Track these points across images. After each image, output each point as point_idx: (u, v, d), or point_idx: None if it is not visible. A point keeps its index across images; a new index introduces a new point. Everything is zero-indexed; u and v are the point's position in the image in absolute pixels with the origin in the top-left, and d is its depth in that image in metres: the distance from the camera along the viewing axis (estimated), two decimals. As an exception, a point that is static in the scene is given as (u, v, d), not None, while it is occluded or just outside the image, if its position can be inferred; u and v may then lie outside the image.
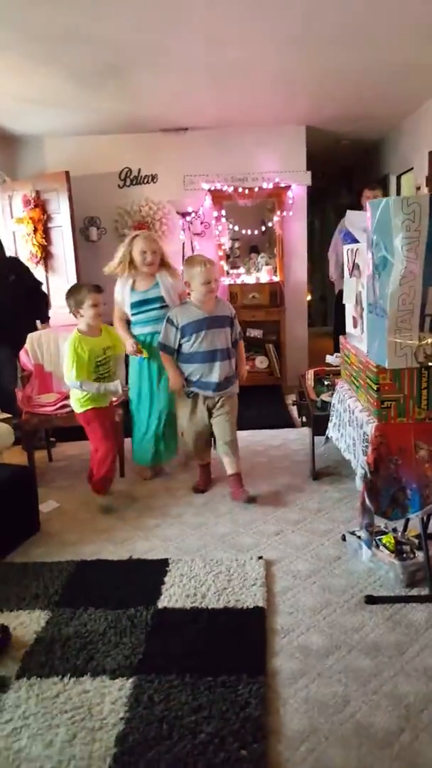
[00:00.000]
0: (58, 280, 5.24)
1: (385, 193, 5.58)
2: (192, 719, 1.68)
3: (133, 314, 3.36)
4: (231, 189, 5.55)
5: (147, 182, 5.71)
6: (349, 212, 2.20)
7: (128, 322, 3.41)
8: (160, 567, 2.51)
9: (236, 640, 2.03)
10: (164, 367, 3.19)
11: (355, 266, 2.21)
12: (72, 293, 3.04)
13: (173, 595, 2.31)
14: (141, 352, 3.33)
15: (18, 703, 1.78)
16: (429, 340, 1.86)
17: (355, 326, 2.34)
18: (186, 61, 3.70)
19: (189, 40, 3.34)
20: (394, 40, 3.42)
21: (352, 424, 2.28)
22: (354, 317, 2.32)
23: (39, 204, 5.16)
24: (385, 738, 1.62)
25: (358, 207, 4.87)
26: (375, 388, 1.99)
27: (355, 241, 2.22)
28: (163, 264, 3.39)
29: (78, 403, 3.10)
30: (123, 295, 3.36)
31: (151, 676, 1.85)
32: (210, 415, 3.19)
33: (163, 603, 2.27)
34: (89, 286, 3.07)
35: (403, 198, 1.71)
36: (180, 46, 3.42)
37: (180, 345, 3.11)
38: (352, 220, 2.16)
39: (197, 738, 1.61)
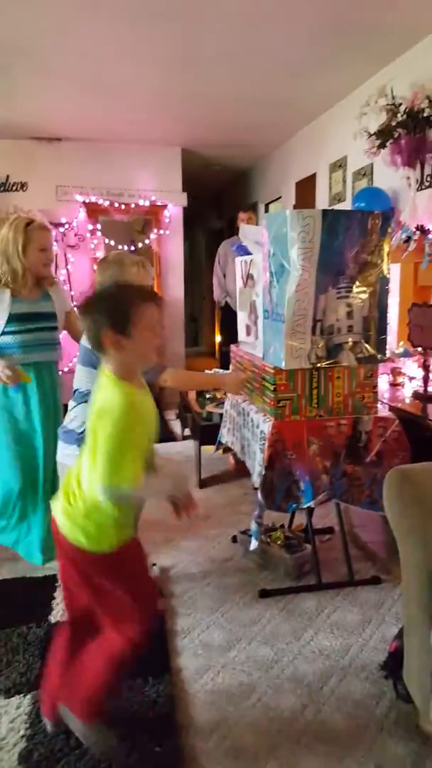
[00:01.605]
0: None
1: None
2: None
3: (7, 332, 2.40)
4: (107, 203, 5.56)
5: (16, 190, 5.51)
6: (243, 226, 2.34)
7: None
8: (49, 583, 2.41)
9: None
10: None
11: (249, 277, 2.35)
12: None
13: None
14: (22, 377, 2.42)
15: None
16: (320, 344, 2.03)
17: (248, 334, 2.47)
18: (63, 72, 3.68)
19: (67, 51, 3.34)
20: (266, 74, 3.69)
21: (246, 426, 2.40)
22: (248, 325, 2.45)
23: None
24: (291, 716, 1.70)
25: (230, 231, 5.15)
26: (272, 389, 2.11)
27: (248, 253, 2.36)
28: None
29: (99, 531, 1.41)
30: None
31: (53, 689, 1.77)
32: None
33: (56, 618, 2.17)
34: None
35: (298, 212, 1.87)
36: (57, 56, 3.41)
37: None
38: (246, 233, 2.30)
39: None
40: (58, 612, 2.21)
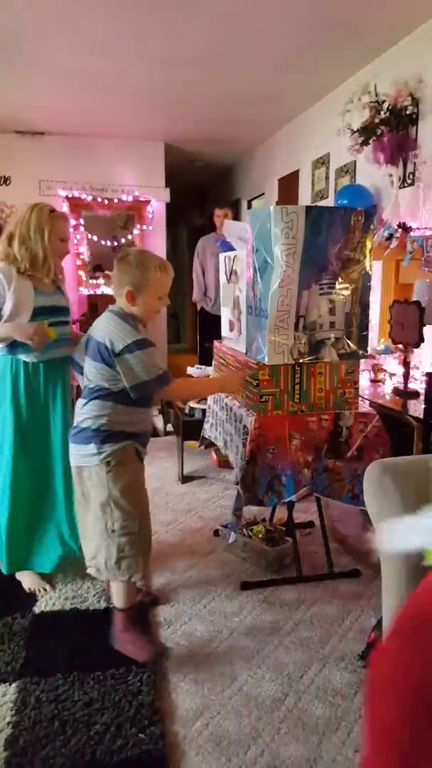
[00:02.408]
0: None
1: (236, 215, 5.95)
2: (84, 713, 1.65)
3: None
4: (90, 198, 5.54)
5: (-1, 184, 5.48)
6: (227, 222, 2.36)
7: None
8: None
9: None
10: (191, 396, 2.41)
11: (232, 272, 2.37)
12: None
13: (50, 600, 2.24)
14: (49, 332, 2.12)
15: None
16: (303, 340, 2.07)
17: (231, 330, 2.50)
18: (46, 65, 3.66)
19: (51, 44, 3.33)
20: (251, 70, 3.71)
21: (229, 421, 2.42)
22: (231, 321, 2.48)
23: None
24: (272, 704, 1.74)
25: (212, 228, 5.16)
26: (255, 384, 2.14)
27: (232, 249, 2.38)
28: None
29: None
30: (22, 292, 2.13)
31: (36, 679, 1.78)
32: None
33: (40, 608, 2.19)
34: None
35: (282, 208, 1.90)
36: (41, 49, 3.39)
37: None
38: (231, 229, 2.32)
39: (92, 729, 1.59)
40: (42, 603, 2.22)
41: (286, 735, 1.62)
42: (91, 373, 1.88)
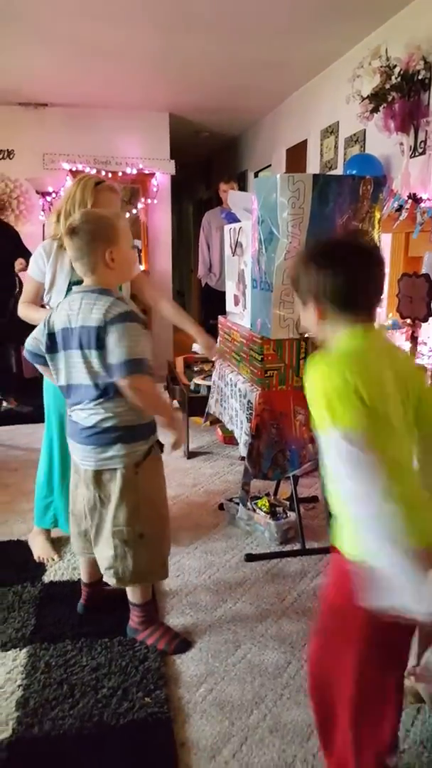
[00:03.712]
0: None
1: (242, 188, 5.87)
2: (93, 677, 1.70)
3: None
4: (94, 171, 5.47)
5: (2, 158, 5.41)
6: (231, 192, 2.33)
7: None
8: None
9: (127, 604, 2.06)
10: (152, 405, 1.74)
11: (237, 245, 2.35)
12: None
13: (59, 570, 2.28)
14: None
15: None
16: (308, 312, 2.05)
17: (236, 304, 2.48)
18: (48, 35, 3.58)
19: (53, 12, 3.25)
20: (258, 35, 3.61)
21: (234, 396, 2.43)
22: (236, 295, 2.46)
23: None
24: (275, 671, 1.77)
25: (218, 202, 5.09)
26: (259, 359, 2.14)
27: (237, 220, 2.35)
28: None
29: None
30: (58, 267, 2.11)
31: (45, 645, 1.83)
32: None
33: (49, 578, 2.23)
34: None
35: (289, 176, 1.87)
36: (43, 17, 3.31)
37: None
38: (235, 199, 2.29)
39: (100, 693, 1.64)
40: (51, 573, 2.26)
41: (289, 701, 1.66)
42: (95, 365, 1.64)
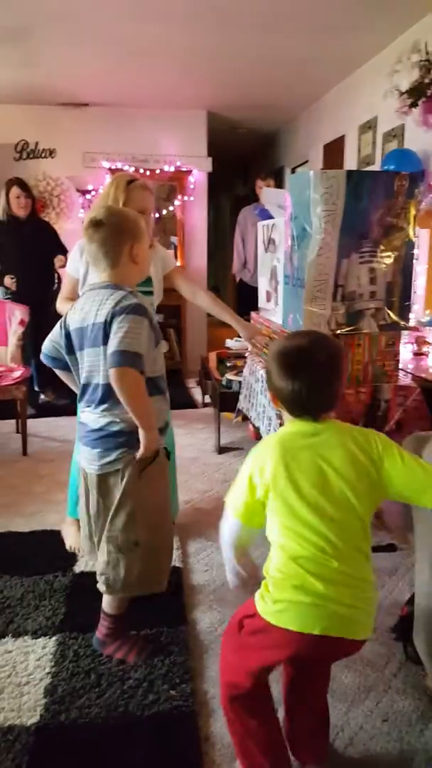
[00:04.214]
0: None
1: (279, 184, 5.84)
2: (119, 668, 1.72)
3: None
4: (132, 169, 5.52)
5: (45, 156, 5.53)
6: (265, 189, 2.32)
7: None
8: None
9: (155, 598, 2.07)
10: (133, 403, 1.59)
11: (270, 241, 2.34)
12: None
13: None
14: None
15: None
16: (341, 310, 2.03)
17: (268, 300, 2.47)
18: (93, 33, 3.63)
19: (93, 13, 3.29)
20: (296, 31, 3.59)
21: (263, 392, 2.42)
22: (268, 291, 2.45)
23: None
24: (301, 669, 1.76)
25: (255, 199, 5.08)
26: (290, 354, 2.12)
27: (271, 217, 2.34)
28: None
29: None
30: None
31: (74, 634, 1.86)
32: None
33: (80, 568, 2.27)
34: None
35: (322, 172, 1.86)
36: (89, 16, 3.36)
37: None
38: (269, 196, 2.28)
39: (126, 684, 1.66)
40: (82, 563, 2.30)
41: (314, 700, 1.64)
42: (101, 363, 1.59)
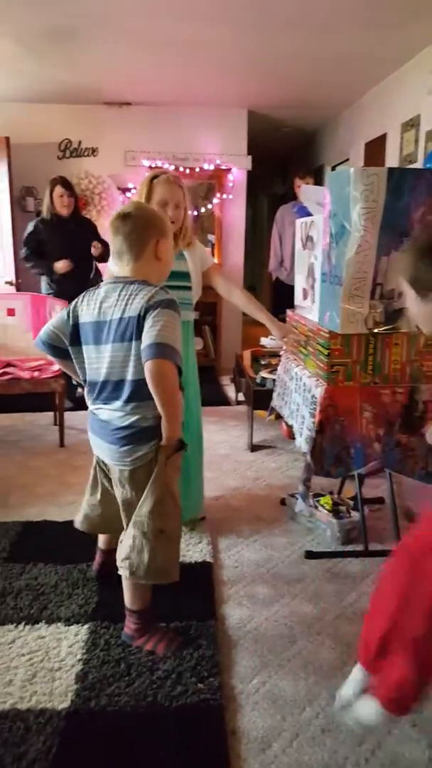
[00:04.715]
0: (-9, 249, 5.06)
1: (318, 183, 5.78)
2: (148, 659, 1.74)
3: None
4: (172, 168, 5.56)
5: (87, 155, 5.62)
6: (304, 186, 2.31)
7: None
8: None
9: (185, 590, 2.09)
10: (168, 395, 1.59)
11: (308, 239, 2.33)
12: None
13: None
14: None
15: (-28, 649, 1.77)
16: (379, 309, 2.01)
17: (304, 298, 2.46)
18: (136, 32, 3.67)
19: (143, 10, 3.32)
20: (341, 27, 3.54)
21: (298, 391, 2.41)
22: (304, 289, 2.44)
23: (-26, 169, 4.95)
24: (330, 671, 1.75)
25: (293, 197, 5.04)
26: (326, 353, 2.11)
27: (310, 214, 2.33)
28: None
29: None
30: None
31: (105, 623, 1.89)
32: None
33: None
34: None
35: (363, 169, 1.84)
36: (132, 15, 3.40)
37: None
38: (308, 194, 2.27)
39: (155, 674, 1.68)
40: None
41: (343, 700, 1.63)
42: (133, 359, 1.59)
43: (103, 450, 1.73)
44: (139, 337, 1.55)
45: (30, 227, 4.26)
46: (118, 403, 1.64)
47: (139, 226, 1.62)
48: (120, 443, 1.65)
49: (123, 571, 1.71)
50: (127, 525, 1.72)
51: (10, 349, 3.90)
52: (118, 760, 1.42)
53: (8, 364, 3.68)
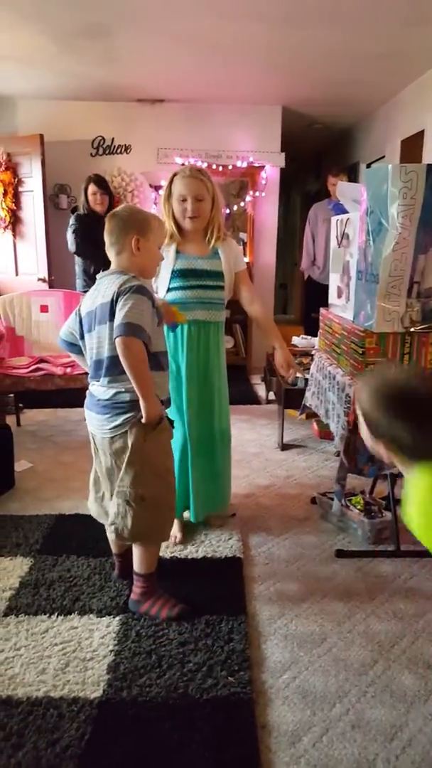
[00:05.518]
0: (26, 247, 5.15)
1: (351, 181, 5.72)
2: (179, 651, 1.76)
3: (171, 288, 2.26)
4: (205, 165, 5.57)
5: (120, 152, 5.66)
6: (340, 183, 2.29)
7: None
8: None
9: (216, 586, 2.11)
10: (136, 370, 1.75)
11: (344, 236, 2.31)
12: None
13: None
14: (178, 316, 2.17)
15: (8, 636, 1.82)
16: (416, 307, 1.98)
17: (339, 296, 2.45)
18: (171, 30, 3.68)
19: (170, 10, 3.33)
20: (377, 24, 3.49)
21: (332, 390, 2.40)
22: (339, 287, 2.43)
23: (10, 167, 5.04)
24: (360, 668, 1.75)
25: (326, 195, 5.00)
26: (360, 352, 2.10)
27: (345, 212, 2.31)
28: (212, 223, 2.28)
29: None
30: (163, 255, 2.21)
31: (136, 616, 1.92)
32: None
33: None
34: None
35: (401, 166, 1.82)
36: (167, 13, 3.41)
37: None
38: (344, 190, 2.25)
39: (186, 667, 1.70)
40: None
41: (373, 699, 1.63)
42: (107, 339, 1.78)
43: (92, 421, 1.94)
44: (112, 319, 1.74)
45: (72, 220, 4.34)
46: (100, 379, 1.85)
47: (119, 225, 1.82)
48: (102, 412, 1.87)
49: (110, 535, 1.93)
50: (111, 493, 1.92)
51: (43, 346, 3.97)
52: (149, 749, 1.44)
53: (41, 360, 3.75)
